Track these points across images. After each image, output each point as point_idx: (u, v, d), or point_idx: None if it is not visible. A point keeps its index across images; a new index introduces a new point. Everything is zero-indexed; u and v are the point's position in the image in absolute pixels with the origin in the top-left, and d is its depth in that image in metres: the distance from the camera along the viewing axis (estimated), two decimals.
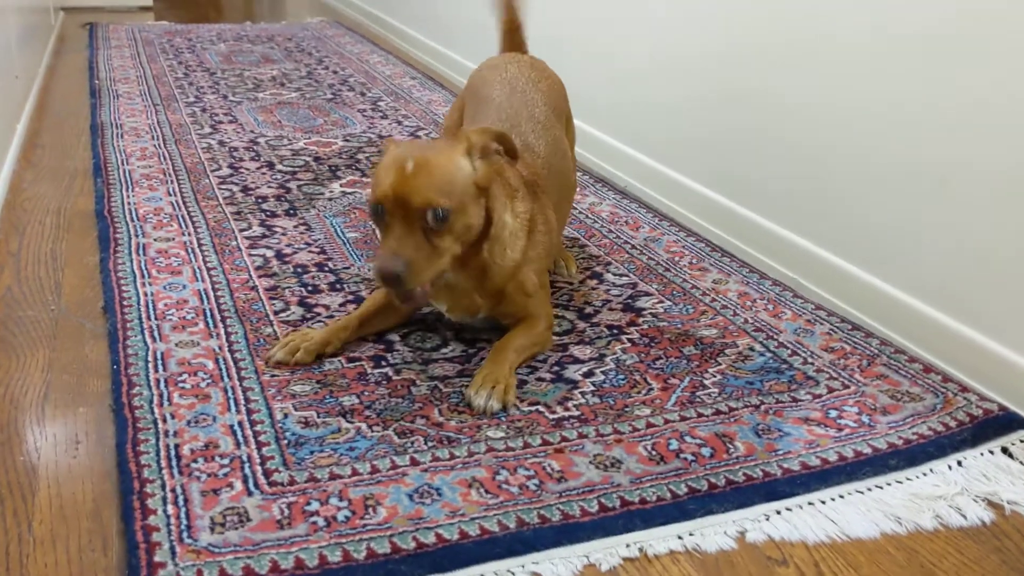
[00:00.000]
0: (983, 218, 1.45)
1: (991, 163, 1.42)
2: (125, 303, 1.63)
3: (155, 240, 1.92)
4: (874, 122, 1.63)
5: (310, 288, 1.74)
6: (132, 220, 2.02)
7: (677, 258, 1.93)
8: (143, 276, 1.75)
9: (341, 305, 1.67)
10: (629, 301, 1.73)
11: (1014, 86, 1.37)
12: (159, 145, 2.57)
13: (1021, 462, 1.30)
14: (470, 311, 1.53)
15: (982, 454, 1.32)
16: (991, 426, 1.36)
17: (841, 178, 1.71)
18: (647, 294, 1.76)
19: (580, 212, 2.17)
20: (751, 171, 1.95)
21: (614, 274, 1.85)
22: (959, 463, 1.29)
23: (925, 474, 1.27)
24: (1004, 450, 1.32)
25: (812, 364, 1.52)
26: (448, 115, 1.97)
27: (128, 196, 2.16)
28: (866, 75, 1.63)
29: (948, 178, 1.49)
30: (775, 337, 1.60)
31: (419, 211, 1.30)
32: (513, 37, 2.00)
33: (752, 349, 1.56)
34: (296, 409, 1.34)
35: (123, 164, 2.39)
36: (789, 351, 1.56)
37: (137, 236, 1.93)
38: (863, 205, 1.67)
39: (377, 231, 1.37)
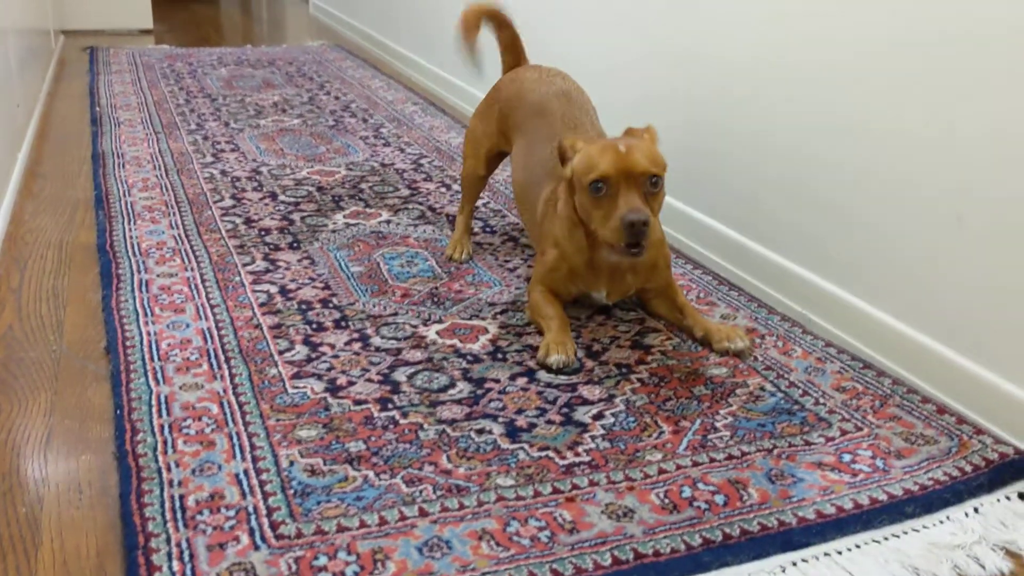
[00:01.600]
0: (999, 254, 1.43)
1: (1010, 197, 1.40)
2: (128, 343, 1.62)
3: (158, 276, 1.90)
4: (884, 153, 1.61)
5: (315, 326, 1.72)
6: (134, 255, 2.00)
7: (685, 292, 1.91)
8: (146, 314, 1.73)
9: (347, 343, 1.65)
10: (637, 338, 1.72)
11: None
12: (161, 175, 2.55)
13: None
14: (624, 291, 1.76)
15: (999, 500, 1.30)
16: (1007, 471, 1.34)
17: (851, 211, 1.70)
18: (655, 330, 1.75)
19: None
20: (758, 203, 1.93)
21: (621, 309, 1.83)
22: (976, 510, 1.27)
23: (942, 521, 1.25)
24: (1021, 496, 1.30)
25: (824, 405, 1.50)
26: (476, 121, 2.10)
27: (130, 229, 2.15)
28: (874, 106, 1.62)
29: (965, 213, 1.47)
30: (786, 376, 1.58)
31: (641, 178, 1.56)
32: (515, 51, 2.13)
33: (763, 389, 1.54)
34: (302, 456, 1.32)
35: (125, 195, 2.38)
36: (800, 391, 1.54)
37: (139, 272, 1.91)
38: (874, 239, 1.65)
39: (591, 207, 1.61)
